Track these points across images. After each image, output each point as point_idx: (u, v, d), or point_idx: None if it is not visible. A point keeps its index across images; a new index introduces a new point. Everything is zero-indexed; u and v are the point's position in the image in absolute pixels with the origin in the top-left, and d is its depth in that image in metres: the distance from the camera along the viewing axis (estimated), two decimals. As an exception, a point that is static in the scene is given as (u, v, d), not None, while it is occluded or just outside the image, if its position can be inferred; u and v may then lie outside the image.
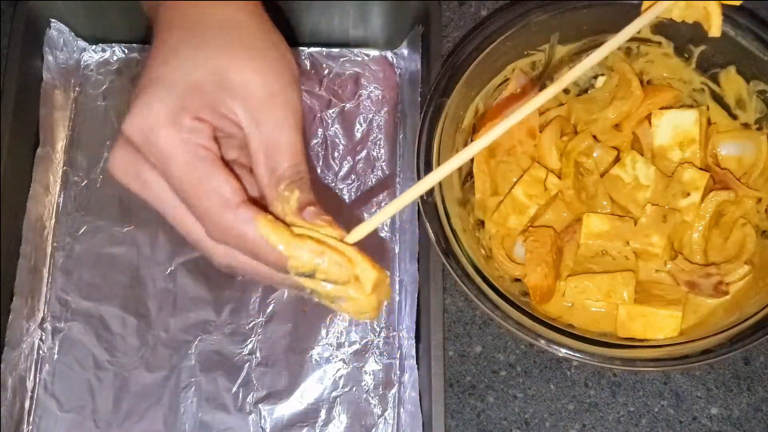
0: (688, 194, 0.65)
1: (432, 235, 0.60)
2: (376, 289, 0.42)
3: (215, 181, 0.42)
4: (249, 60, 0.44)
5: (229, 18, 0.45)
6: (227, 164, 0.44)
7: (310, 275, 0.41)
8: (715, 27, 0.55)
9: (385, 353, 0.68)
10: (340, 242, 0.42)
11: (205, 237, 0.43)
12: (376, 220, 0.44)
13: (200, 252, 0.45)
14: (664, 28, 0.66)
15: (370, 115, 0.76)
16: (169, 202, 0.44)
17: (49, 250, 0.71)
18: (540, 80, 0.70)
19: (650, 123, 0.67)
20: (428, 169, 0.62)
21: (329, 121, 0.75)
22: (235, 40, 0.44)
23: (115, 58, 0.78)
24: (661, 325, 0.61)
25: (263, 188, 0.43)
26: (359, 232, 0.43)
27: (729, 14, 0.63)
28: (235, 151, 0.47)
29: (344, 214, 0.73)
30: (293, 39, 0.77)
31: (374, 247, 0.72)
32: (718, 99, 0.68)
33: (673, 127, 0.67)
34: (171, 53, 0.44)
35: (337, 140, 0.75)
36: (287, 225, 0.42)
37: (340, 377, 0.68)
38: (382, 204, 0.73)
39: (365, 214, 0.73)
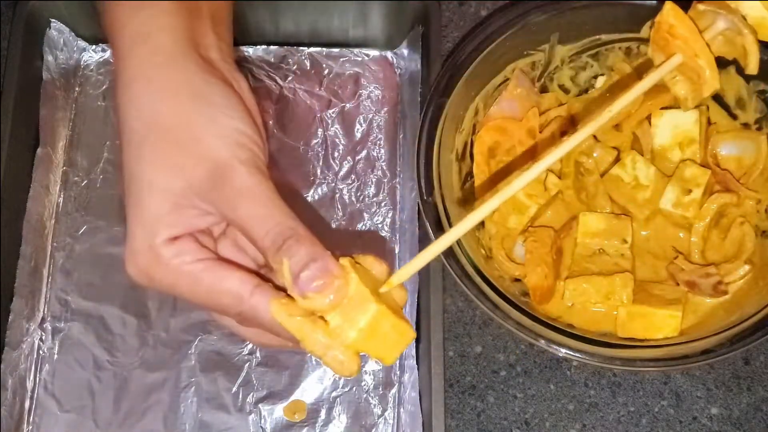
0: (690, 191, 0.65)
1: (432, 235, 0.60)
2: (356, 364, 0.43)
3: (223, 284, 0.44)
4: (189, 156, 0.43)
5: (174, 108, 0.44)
6: (225, 259, 0.46)
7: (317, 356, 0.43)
8: (752, 65, 0.54)
9: (385, 353, 0.68)
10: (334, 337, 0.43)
11: (236, 325, 0.47)
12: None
13: (237, 336, 0.49)
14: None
15: (370, 115, 0.76)
16: (197, 306, 0.46)
17: (49, 250, 0.71)
18: (540, 80, 0.70)
19: (650, 123, 0.67)
20: (429, 170, 0.62)
21: (329, 121, 0.75)
22: (175, 138, 0.44)
23: (115, 58, 0.78)
24: (660, 325, 0.61)
25: (267, 263, 0.45)
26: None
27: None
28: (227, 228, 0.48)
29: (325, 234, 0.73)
30: (293, 39, 0.77)
31: (374, 248, 0.72)
32: (718, 99, 0.68)
33: (673, 127, 0.67)
34: (137, 190, 0.44)
35: (337, 140, 0.75)
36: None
37: (340, 377, 0.68)
38: (382, 204, 0.73)
39: (365, 214, 0.73)
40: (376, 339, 0.42)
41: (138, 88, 0.45)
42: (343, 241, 0.72)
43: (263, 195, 0.43)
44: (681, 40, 0.52)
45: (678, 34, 0.52)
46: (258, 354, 0.68)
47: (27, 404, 0.67)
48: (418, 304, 0.67)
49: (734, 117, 0.68)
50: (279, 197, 0.44)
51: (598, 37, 0.67)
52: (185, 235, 0.45)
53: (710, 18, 0.54)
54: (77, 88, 0.77)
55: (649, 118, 0.68)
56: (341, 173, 0.74)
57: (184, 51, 0.45)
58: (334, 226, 0.72)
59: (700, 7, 0.54)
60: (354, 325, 0.42)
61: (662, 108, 0.67)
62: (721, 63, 0.66)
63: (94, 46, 0.78)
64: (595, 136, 0.68)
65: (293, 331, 0.42)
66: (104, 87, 0.77)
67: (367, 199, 0.73)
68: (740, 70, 0.65)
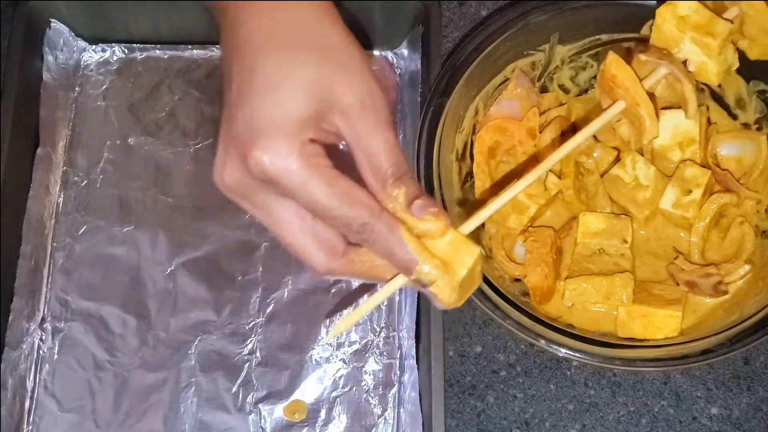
0: (690, 191, 0.65)
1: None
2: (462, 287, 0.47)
3: (358, 193, 0.45)
4: (339, 72, 0.45)
5: (308, 29, 0.46)
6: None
7: (423, 281, 0.46)
8: (691, 111, 0.56)
9: (385, 353, 0.68)
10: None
11: (316, 253, 0.47)
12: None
13: (308, 267, 0.48)
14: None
15: (370, 115, 0.76)
16: (290, 226, 0.46)
17: (49, 250, 0.71)
18: (540, 80, 0.70)
19: None
20: (429, 170, 0.62)
21: (329, 121, 0.75)
22: (320, 53, 0.45)
23: (115, 58, 0.78)
24: (660, 325, 0.61)
25: (375, 194, 0.46)
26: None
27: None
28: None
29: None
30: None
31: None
32: (718, 99, 0.68)
33: (673, 127, 0.67)
34: (265, 83, 0.44)
35: (337, 140, 0.75)
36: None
37: (340, 377, 0.68)
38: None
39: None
40: (468, 279, 0.47)
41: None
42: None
43: (393, 132, 0.46)
44: (623, 89, 0.54)
45: (620, 83, 0.54)
46: (258, 354, 0.68)
47: (27, 404, 0.67)
48: (418, 304, 0.67)
49: (734, 117, 0.68)
50: None
51: (598, 37, 0.67)
52: (318, 142, 0.45)
53: (652, 65, 0.55)
54: (77, 88, 0.77)
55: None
56: (341, 173, 0.74)
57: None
58: (334, 226, 0.72)
59: (642, 57, 0.56)
60: (462, 265, 0.46)
61: (662, 108, 0.67)
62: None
63: (94, 46, 0.78)
64: (595, 136, 0.68)
65: (417, 251, 0.45)
66: (104, 87, 0.77)
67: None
68: (740, 71, 0.65)
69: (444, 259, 0.46)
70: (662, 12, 0.55)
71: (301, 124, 0.44)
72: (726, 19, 0.54)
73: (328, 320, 0.69)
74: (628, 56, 0.68)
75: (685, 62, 0.55)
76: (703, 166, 0.66)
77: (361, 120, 0.45)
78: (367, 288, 0.70)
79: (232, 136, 0.44)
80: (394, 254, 0.46)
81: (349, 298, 0.70)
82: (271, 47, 0.45)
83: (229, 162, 0.45)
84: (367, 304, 0.49)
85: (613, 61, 0.54)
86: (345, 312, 0.69)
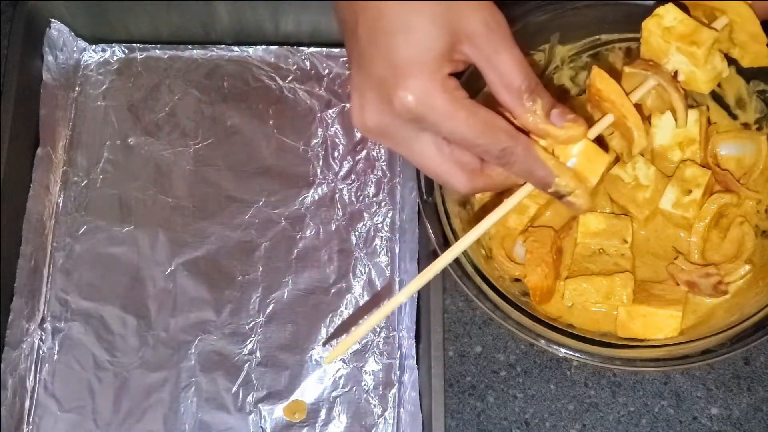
0: (690, 191, 0.65)
1: (432, 235, 0.60)
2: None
3: (497, 120, 0.48)
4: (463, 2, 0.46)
5: None
6: None
7: (562, 192, 0.50)
8: (681, 120, 0.57)
9: (385, 353, 0.68)
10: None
11: (459, 176, 0.49)
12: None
13: (453, 189, 0.51)
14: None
15: (370, 115, 0.76)
16: (433, 157, 0.49)
17: (49, 250, 0.71)
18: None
19: (650, 123, 0.67)
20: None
21: (329, 121, 0.75)
22: None
23: (115, 58, 0.78)
24: (661, 325, 0.61)
25: (512, 111, 0.48)
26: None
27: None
28: None
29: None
30: (293, 39, 0.77)
31: (371, 249, 0.72)
32: (718, 99, 0.68)
33: (673, 127, 0.67)
34: (396, 25, 0.46)
35: (337, 140, 0.75)
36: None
37: (340, 377, 0.68)
38: (382, 204, 0.73)
39: (365, 214, 0.73)
40: (599, 184, 0.51)
41: None
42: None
43: (518, 48, 0.48)
44: (609, 102, 0.54)
45: (606, 97, 0.54)
46: (258, 354, 0.68)
47: (27, 404, 0.67)
48: (418, 304, 0.67)
49: (734, 117, 0.68)
50: None
51: (598, 37, 0.67)
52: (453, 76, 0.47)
53: (640, 77, 0.56)
54: (77, 88, 0.77)
55: (649, 118, 0.68)
56: (341, 173, 0.74)
57: None
58: (334, 226, 0.72)
59: (627, 69, 0.56)
60: (595, 173, 0.50)
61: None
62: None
63: (94, 46, 0.78)
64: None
65: (555, 167, 0.49)
66: (104, 87, 0.77)
67: (367, 199, 0.73)
68: (740, 71, 0.65)
69: (576, 168, 0.50)
70: (648, 25, 0.56)
71: (439, 59, 0.45)
72: (711, 28, 0.55)
73: (328, 320, 0.69)
74: (627, 57, 0.68)
75: (675, 73, 0.56)
76: (703, 166, 0.66)
77: (489, 42, 0.47)
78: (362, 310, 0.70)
79: (370, 80, 0.47)
80: (533, 173, 0.49)
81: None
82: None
83: (369, 105, 0.47)
84: (366, 324, 0.51)
85: (597, 75, 0.54)
86: (343, 337, 0.69)
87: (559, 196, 0.50)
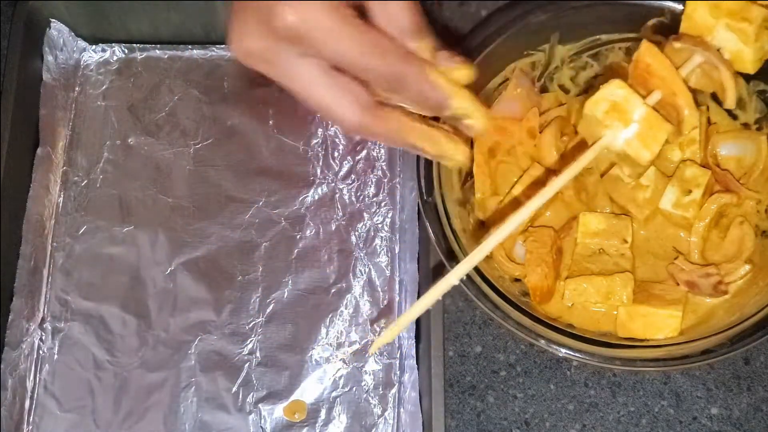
0: (690, 191, 0.65)
1: (432, 235, 0.60)
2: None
3: (387, 42, 0.45)
4: None
5: None
6: None
7: (458, 116, 0.48)
8: (730, 99, 0.55)
9: (385, 353, 0.68)
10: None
11: (347, 107, 0.46)
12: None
13: (335, 123, 0.48)
14: (664, 28, 0.66)
15: (370, 115, 0.76)
16: (317, 83, 0.45)
17: (49, 250, 0.71)
18: (540, 80, 0.70)
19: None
20: (428, 169, 0.62)
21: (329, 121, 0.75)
22: None
23: (115, 58, 0.78)
24: (661, 325, 0.61)
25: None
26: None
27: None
28: None
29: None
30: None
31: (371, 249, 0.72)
32: (718, 99, 0.68)
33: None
34: None
35: (337, 140, 0.75)
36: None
37: (340, 377, 0.68)
38: (382, 204, 0.73)
39: (365, 214, 0.73)
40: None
41: None
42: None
43: None
44: (659, 78, 0.53)
45: (655, 72, 0.53)
46: (258, 354, 0.68)
47: (27, 404, 0.67)
48: (418, 304, 0.67)
49: (734, 117, 0.68)
50: None
51: (598, 37, 0.67)
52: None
53: (686, 53, 0.54)
54: (77, 88, 0.77)
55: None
56: (341, 173, 0.74)
57: None
58: (334, 226, 0.72)
59: (676, 45, 0.54)
60: (657, 141, 0.51)
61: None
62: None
63: (94, 46, 0.78)
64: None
65: (448, 89, 0.47)
66: (104, 87, 0.77)
67: (367, 199, 0.73)
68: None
69: (637, 136, 0.50)
70: None
71: None
72: (761, 4, 0.53)
73: (328, 320, 0.69)
74: (627, 56, 0.68)
75: (718, 51, 0.54)
76: (703, 166, 0.66)
77: None
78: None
79: (250, 3, 0.44)
80: (427, 96, 0.46)
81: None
82: None
83: (248, 29, 0.44)
84: (410, 311, 0.50)
85: (647, 49, 0.52)
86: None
87: (455, 120, 0.48)
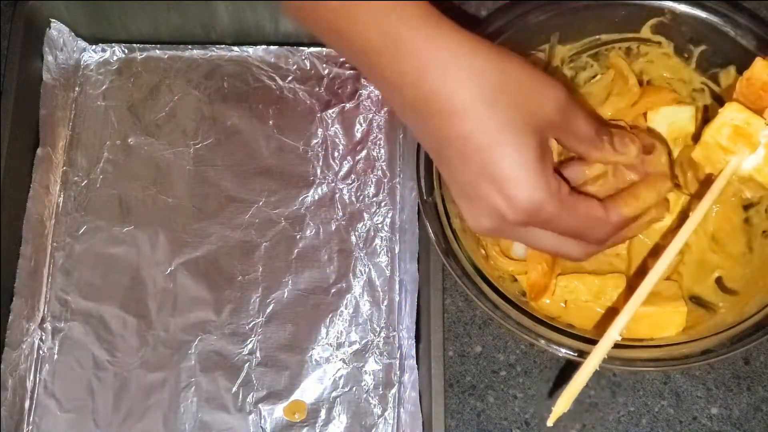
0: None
1: (432, 235, 0.60)
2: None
3: (594, 210, 0.53)
4: (532, 92, 0.49)
5: (484, 66, 0.49)
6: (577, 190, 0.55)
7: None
8: None
9: (385, 353, 0.68)
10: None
11: (574, 249, 0.56)
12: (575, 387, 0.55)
13: (570, 259, 0.58)
14: (664, 28, 0.66)
15: (370, 115, 0.76)
16: (547, 242, 0.54)
17: (49, 250, 0.71)
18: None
19: (645, 119, 0.67)
20: (429, 170, 0.62)
21: (329, 121, 0.75)
22: (511, 84, 0.49)
23: (115, 58, 0.78)
24: (666, 322, 0.61)
25: (586, 156, 0.55)
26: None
27: (729, 14, 0.63)
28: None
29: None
30: (293, 39, 0.77)
31: (369, 249, 0.72)
32: (718, 99, 0.68)
33: (669, 123, 0.66)
34: (488, 140, 0.48)
35: (337, 140, 0.75)
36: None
37: (340, 377, 0.68)
38: (382, 204, 0.73)
39: (365, 214, 0.73)
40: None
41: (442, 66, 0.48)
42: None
43: (581, 103, 0.55)
44: None
45: None
46: (258, 354, 0.68)
47: (27, 404, 0.67)
48: (418, 304, 0.67)
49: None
50: None
51: (598, 37, 0.67)
52: (556, 171, 0.52)
53: None
54: (77, 88, 0.77)
55: (645, 114, 0.68)
56: (341, 173, 0.74)
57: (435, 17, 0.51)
58: (334, 226, 0.72)
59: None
60: None
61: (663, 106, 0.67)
62: (721, 63, 0.66)
63: (94, 46, 0.78)
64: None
65: (637, 216, 0.56)
66: (104, 87, 0.77)
67: (367, 199, 0.73)
68: (741, 71, 0.65)
69: (756, 169, 0.53)
70: None
71: (539, 162, 0.48)
72: None
73: (328, 320, 0.70)
74: (627, 56, 0.68)
75: None
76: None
77: (566, 119, 0.51)
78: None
79: (474, 192, 0.50)
80: (628, 237, 0.59)
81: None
82: (476, 103, 0.47)
83: (481, 213, 0.51)
84: (579, 376, 0.54)
85: (764, 67, 0.52)
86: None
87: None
